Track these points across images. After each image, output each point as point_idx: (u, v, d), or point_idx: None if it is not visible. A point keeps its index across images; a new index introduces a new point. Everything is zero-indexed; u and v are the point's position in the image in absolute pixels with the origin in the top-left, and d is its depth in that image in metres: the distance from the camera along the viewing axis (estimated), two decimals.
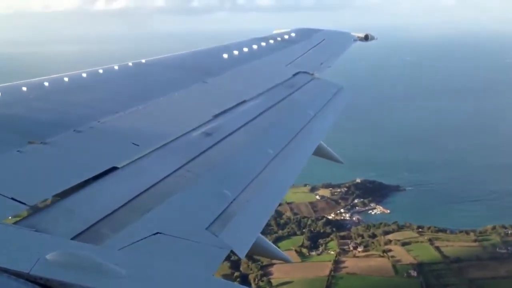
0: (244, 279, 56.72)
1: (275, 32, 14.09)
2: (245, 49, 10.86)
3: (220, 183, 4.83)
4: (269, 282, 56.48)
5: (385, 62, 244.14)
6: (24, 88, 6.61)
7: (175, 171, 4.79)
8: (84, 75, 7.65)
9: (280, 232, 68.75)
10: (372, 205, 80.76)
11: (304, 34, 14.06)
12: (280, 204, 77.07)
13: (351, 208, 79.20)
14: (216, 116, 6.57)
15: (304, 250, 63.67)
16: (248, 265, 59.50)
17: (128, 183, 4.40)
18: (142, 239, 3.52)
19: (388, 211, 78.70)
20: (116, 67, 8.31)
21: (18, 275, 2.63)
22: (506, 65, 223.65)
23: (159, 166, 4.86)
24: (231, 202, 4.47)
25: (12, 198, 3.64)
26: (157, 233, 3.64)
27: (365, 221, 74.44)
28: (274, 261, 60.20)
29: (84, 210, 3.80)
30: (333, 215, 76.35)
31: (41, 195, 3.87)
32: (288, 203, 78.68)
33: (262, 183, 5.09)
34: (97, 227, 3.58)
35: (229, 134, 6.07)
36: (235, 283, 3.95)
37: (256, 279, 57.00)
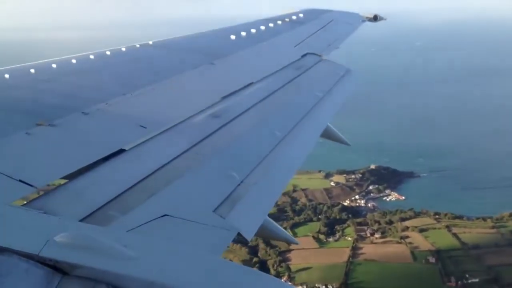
0: (263, 265, 57.03)
1: (282, 13, 13.83)
2: (253, 31, 10.74)
3: (227, 165, 4.83)
4: (288, 268, 56.60)
5: (396, 47, 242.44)
6: (32, 70, 6.60)
7: (182, 153, 4.79)
8: (91, 57, 7.62)
9: (296, 218, 68.83)
10: (387, 191, 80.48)
11: (312, 15, 13.82)
12: (295, 190, 77.64)
13: (366, 195, 79.01)
14: (224, 98, 6.55)
15: (322, 237, 63.73)
16: (266, 251, 59.78)
17: (136, 166, 4.41)
18: (149, 221, 3.52)
19: (403, 197, 78.45)
20: (123, 49, 8.29)
21: (28, 256, 2.65)
22: None
23: (167, 149, 4.87)
24: (239, 185, 4.46)
25: (21, 181, 3.66)
26: (165, 215, 3.65)
27: (380, 207, 74.28)
28: (292, 246, 60.53)
29: (92, 192, 3.82)
30: (348, 202, 76.26)
31: (49, 177, 3.89)
32: (303, 189, 78.78)
33: (269, 165, 5.07)
34: (105, 209, 3.59)
35: (237, 116, 6.05)
36: (242, 264, 3.86)
37: (275, 265, 57.15)
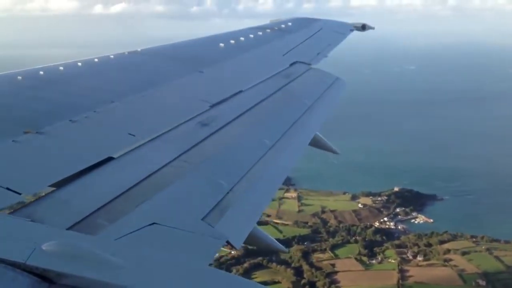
0: (312, 287, 56.70)
1: (271, 21, 13.87)
2: (242, 39, 10.74)
3: (216, 174, 4.83)
4: None
5: (389, 70, 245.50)
6: (20, 77, 6.55)
7: (171, 161, 4.78)
8: (79, 64, 7.57)
9: (330, 240, 68.64)
10: (414, 214, 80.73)
11: (301, 23, 13.84)
12: (323, 211, 77.51)
13: (393, 217, 79.18)
14: (212, 106, 6.54)
15: (364, 259, 63.59)
16: (312, 273, 59.47)
17: (124, 174, 4.39)
18: (138, 230, 3.51)
19: (431, 220, 78.76)
20: (112, 57, 8.25)
21: (14, 264, 2.63)
22: (510, 75, 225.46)
23: (155, 157, 4.86)
24: (227, 193, 4.46)
25: (8, 188, 3.63)
26: (153, 223, 3.64)
27: (410, 230, 74.49)
28: (336, 269, 60.38)
29: (80, 200, 3.79)
30: (378, 224, 76.34)
31: (36, 185, 3.87)
32: (332, 211, 78.90)
33: (258, 173, 5.08)
34: (93, 218, 3.57)
35: (226, 125, 6.04)
36: (233, 274, 3.87)
37: (325, 286, 56.71)
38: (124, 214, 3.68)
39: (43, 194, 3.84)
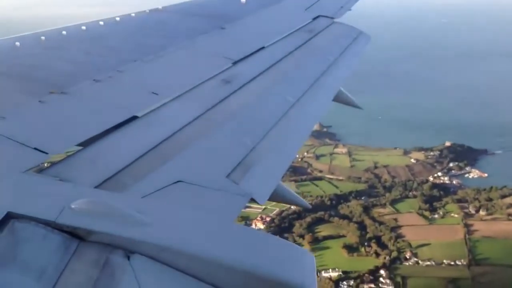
0: (378, 241, 57.13)
1: None
2: None
3: (240, 131, 4.84)
4: (409, 244, 56.45)
5: (422, 24, 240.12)
6: (43, 38, 6.55)
7: (194, 119, 4.79)
8: (101, 23, 7.54)
9: (387, 195, 68.61)
10: (468, 168, 79.89)
11: None
12: (376, 167, 77.41)
13: (447, 172, 78.61)
14: (235, 63, 6.49)
15: (426, 213, 63.51)
16: (376, 227, 59.74)
17: (149, 132, 4.42)
18: (163, 188, 3.55)
19: (486, 174, 77.94)
20: (133, 15, 8.19)
21: (45, 223, 2.69)
22: None
23: (179, 115, 4.87)
24: (251, 150, 4.47)
25: (35, 148, 3.69)
26: (178, 181, 3.68)
27: (466, 184, 74.04)
28: (401, 223, 60.59)
29: (106, 159, 3.84)
30: (432, 178, 75.93)
31: (63, 144, 3.91)
32: (385, 166, 78.67)
33: (281, 130, 5.07)
34: (120, 176, 3.62)
35: (248, 82, 6.00)
36: (256, 229, 3.47)
37: (392, 240, 57.00)
38: (149, 172, 3.72)
39: (71, 153, 3.89)
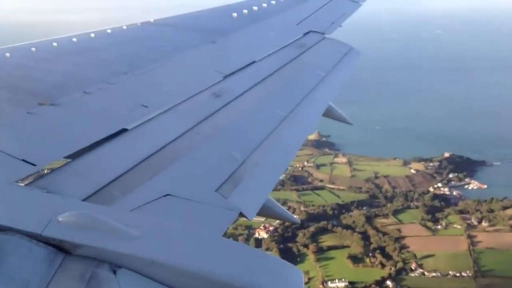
0: (382, 251, 57.12)
1: None
2: (255, 8, 10.52)
3: (229, 145, 4.83)
4: (414, 255, 56.47)
5: (416, 35, 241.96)
6: (33, 49, 6.54)
7: (184, 133, 4.80)
8: (92, 35, 7.56)
9: (389, 205, 68.74)
10: (467, 180, 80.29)
11: None
12: (376, 177, 77.51)
13: (447, 183, 78.90)
14: (225, 77, 6.52)
15: (429, 224, 63.65)
16: (380, 238, 59.71)
17: (138, 145, 4.43)
18: (152, 201, 3.55)
19: (485, 186, 78.30)
20: (124, 27, 8.20)
21: (31, 235, 2.67)
22: None
23: (169, 128, 4.87)
24: (240, 164, 4.47)
25: (23, 160, 3.67)
26: (167, 194, 3.67)
27: (466, 196, 74.26)
28: (405, 233, 60.59)
29: (95, 172, 3.83)
30: (432, 189, 76.21)
31: (52, 156, 3.89)
32: (385, 176, 78.88)
33: (271, 145, 5.08)
34: (108, 189, 3.60)
35: (239, 95, 6.01)
36: (247, 244, 3.61)
37: (396, 251, 56.99)
38: (138, 186, 3.71)
39: (59, 166, 3.86)
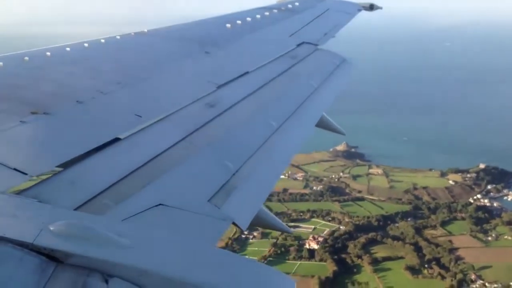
0: (438, 263, 56.90)
1: (278, 1, 13.70)
2: (248, 19, 10.61)
3: (222, 155, 4.82)
4: (472, 267, 56.22)
5: (426, 47, 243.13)
6: (26, 58, 6.49)
7: (177, 142, 4.78)
8: (86, 45, 7.53)
9: (433, 216, 68.49)
10: (505, 191, 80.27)
11: (308, 3, 13.63)
12: (415, 188, 77.24)
13: (486, 194, 78.77)
14: (219, 87, 6.53)
15: (480, 235, 63.36)
16: (433, 249, 59.46)
17: (131, 155, 4.40)
18: (144, 211, 3.53)
19: None
20: (118, 37, 8.20)
21: (22, 245, 2.65)
22: None
23: (162, 138, 4.86)
24: (233, 174, 4.46)
25: (15, 169, 3.64)
26: (160, 204, 3.66)
27: (507, 207, 74.13)
28: (457, 245, 60.26)
29: (87, 181, 3.80)
30: (472, 200, 76.03)
31: (44, 166, 3.86)
32: (424, 188, 78.73)
33: (264, 155, 5.07)
34: (100, 198, 3.58)
35: (232, 106, 6.03)
36: (240, 255, 3.50)
37: (452, 262, 56.76)
38: (130, 195, 3.69)
39: (50, 175, 3.83)
